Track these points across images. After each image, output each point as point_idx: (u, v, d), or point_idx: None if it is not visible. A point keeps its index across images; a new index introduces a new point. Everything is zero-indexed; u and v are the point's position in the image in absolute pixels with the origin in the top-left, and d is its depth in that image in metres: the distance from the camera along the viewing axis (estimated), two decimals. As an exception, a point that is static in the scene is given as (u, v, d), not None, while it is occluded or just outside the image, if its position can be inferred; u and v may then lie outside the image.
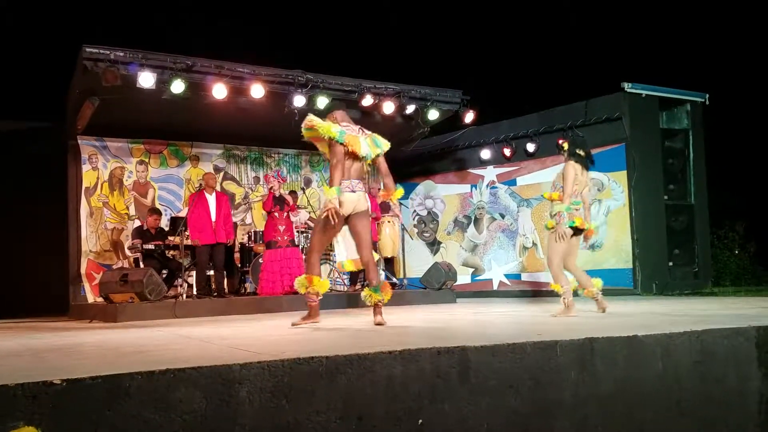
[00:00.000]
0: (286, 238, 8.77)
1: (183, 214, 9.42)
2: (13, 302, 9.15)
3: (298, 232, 9.45)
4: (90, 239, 9.72)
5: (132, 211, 10.03)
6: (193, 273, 8.97)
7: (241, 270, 9.54)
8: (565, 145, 5.76)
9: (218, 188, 10.37)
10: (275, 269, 8.57)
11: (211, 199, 8.68)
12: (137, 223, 9.67)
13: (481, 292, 11.22)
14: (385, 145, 5.09)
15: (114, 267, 9.39)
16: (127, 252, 9.51)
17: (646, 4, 14.89)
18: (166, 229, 9.25)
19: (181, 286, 8.64)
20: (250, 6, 14.69)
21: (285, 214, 8.85)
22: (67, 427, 2.29)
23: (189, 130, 10.19)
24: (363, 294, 5.02)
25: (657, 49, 14.49)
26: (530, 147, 10.70)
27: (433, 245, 12.12)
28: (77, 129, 9.42)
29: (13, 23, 11.98)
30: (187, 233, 8.70)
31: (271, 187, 9.00)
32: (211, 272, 8.84)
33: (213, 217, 8.56)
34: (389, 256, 10.29)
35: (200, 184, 9.87)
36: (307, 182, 11.22)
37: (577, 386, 3.28)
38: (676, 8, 14.35)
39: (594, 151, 9.95)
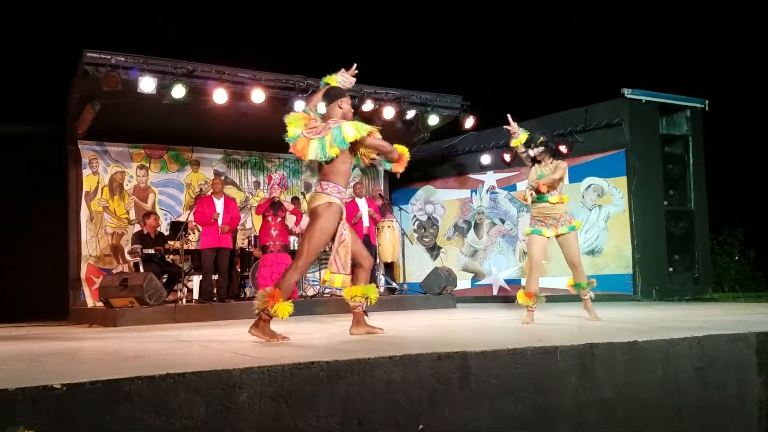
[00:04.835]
0: (278, 243, 8.87)
1: (183, 218, 9.41)
2: (12, 306, 9.12)
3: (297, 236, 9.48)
4: (90, 243, 9.72)
5: (132, 215, 10.03)
6: (193, 278, 8.97)
7: (240, 274, 9.54)
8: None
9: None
10: (266, 274, 8.60)
11: (219, 204, 8.71)
12: (137, 227, 9.66)
13: (481, 297, 11.21)
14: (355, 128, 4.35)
15: (114, 271, 9.37)
16: (127, 256, 9.50)
17: (646, 10, 14.92)
18: (166, 233, 9.26)
19: (181, 290, 8.63)
20: (251, 11, 14.72)
21: (279, 219, 8.95)
22: (67, 432, 2.28)
23: (189, 135, 10.20)
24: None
25: (657, 55, 14.52)
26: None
27: (433, 250, 12.12)
28: (78, 133, 9.42)
29: (14, 27, 11.99)
30: (187, 237, 8.71)
31: (272, 194, 9.14)
32: (215, 276, 8.85)
33: (220, 222, 8.60)
34: (389, 261, 10.28)
35: (201, 189, 9.87)
36: (308, 187, 11.20)
37: (578, 392, 3.28)
38: (675, 14, 14.38)
39: (594, 157, 10.14)
